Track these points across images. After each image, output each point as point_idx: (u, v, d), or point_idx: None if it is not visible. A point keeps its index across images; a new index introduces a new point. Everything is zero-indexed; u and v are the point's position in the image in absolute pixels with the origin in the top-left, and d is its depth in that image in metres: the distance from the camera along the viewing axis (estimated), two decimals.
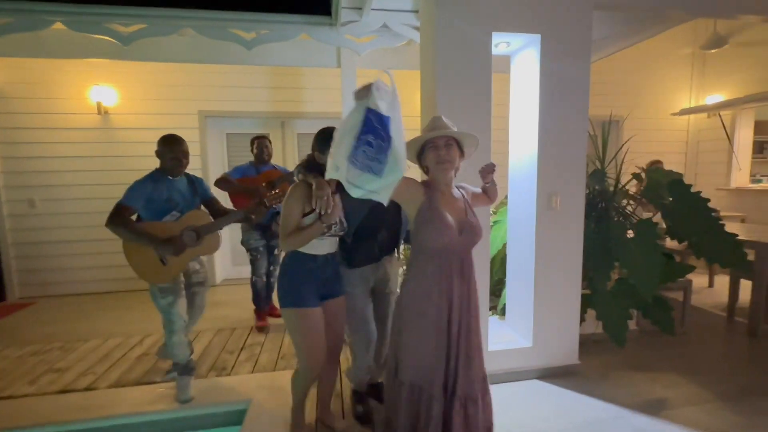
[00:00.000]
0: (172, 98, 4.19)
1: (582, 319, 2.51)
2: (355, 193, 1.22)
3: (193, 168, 4.54)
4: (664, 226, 2.53)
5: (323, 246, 1.62)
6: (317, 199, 1.43)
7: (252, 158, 3.15)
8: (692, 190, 2.45)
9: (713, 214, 2.38)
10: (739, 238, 2.38)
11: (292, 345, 1.83)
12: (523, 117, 2.35)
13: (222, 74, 4.20)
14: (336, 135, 1.20)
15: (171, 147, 2.02)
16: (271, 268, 3.19)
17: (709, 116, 5.21)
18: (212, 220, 2.10)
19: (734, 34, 4.34)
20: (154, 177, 2.02)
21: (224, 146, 4.56)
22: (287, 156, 4.64)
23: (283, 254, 1.66)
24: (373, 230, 1.80)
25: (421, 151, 1.46)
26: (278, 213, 2.97)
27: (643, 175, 2.73)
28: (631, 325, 2.77)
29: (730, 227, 3.20)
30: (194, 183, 2.17)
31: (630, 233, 2.43)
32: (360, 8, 2.72)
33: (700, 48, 4.48)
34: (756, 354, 2.64)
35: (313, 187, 1.45)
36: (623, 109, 5.33)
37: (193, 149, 4.25)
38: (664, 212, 2.43)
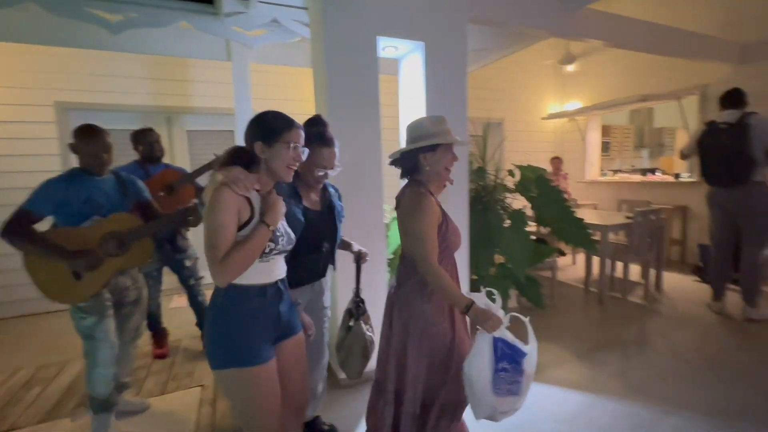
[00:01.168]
0: (19, 86, 3.47)
1: None
2: (500, 419, 1.29)
3: (52, 171, 3.87)
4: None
5: (274, 269, 1.22)
6: (263, 201, 1.17)
7: (137, 157, 2.61)
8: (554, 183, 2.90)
9: (566, 203, 2.83)
10: (586, 222, 2.87)
11: (232, 409, 1.49)
12: (412, 119, 2.50)
13: (88, 60, 3.62)
14: (471, 375, 1.24)
15: (87, 141, 1.71)
16: (192, 283, 2.70)
17: (569, 120, 6.18)
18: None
19: (583, 53, 5.20)
20: (70, 176, 1.71)
21: None
22: (176, 156, 4.20)
23: (210, 292, 1.24)
24: (317, 242, 1.57)
25: (431, 147, 1.36)
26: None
27: (515, 171, 3.12)
28: (513, 303, 3.15)
29: (585, 214, 3.82)
30: (125, 183, 1.86)
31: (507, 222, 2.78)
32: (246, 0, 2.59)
33: (557, 63, 5.25)
34: (603, 317, 3.23)
35: (238, 180, 1.09)
36: (504, 113, 6.03)
37: (49, 147, 3.66)
38: (532, 203, 2.82)
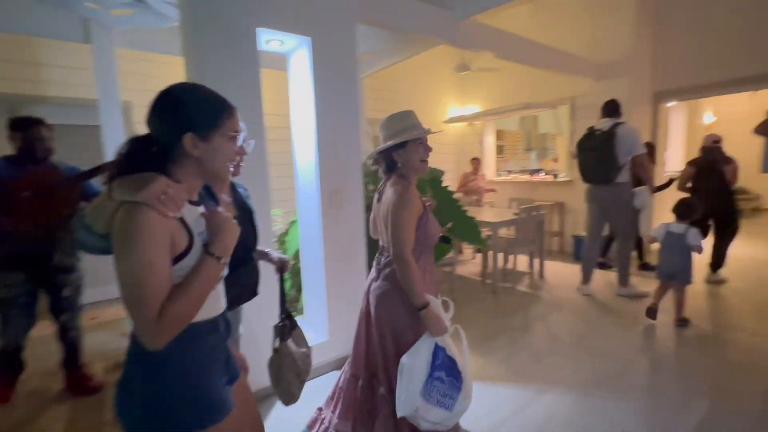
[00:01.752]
0: None
1: None
2: (424, 426, 1.28)
3: None
4: None
5: (221, 295, 0.97)
6: (207, 221, 0.88)
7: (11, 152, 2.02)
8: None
9: (458, 204, 2.98)
10: (479, 220, 3.07)
11: None
12: (303, 118, 2.38)
13: None
14: (404, 368, 1.27)
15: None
16: (64, 318, 2.18)
17: (469, 124, 6.64)
18: None
19: (477, 61, 5.61)
20: None
21: None
22: None
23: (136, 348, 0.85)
24: (245, 252, 1.37)
25: (400, 144, 1.41)
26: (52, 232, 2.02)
27: None
28: None
29: (481, 212, 4.07)
30: None
31: None
32: None
33: (453, 70, 5.59)
34: (495, 307, 3.49)
35: (165, 193, 0.78)
36: None
37: None
38: None
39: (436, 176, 3.03)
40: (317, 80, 2.26)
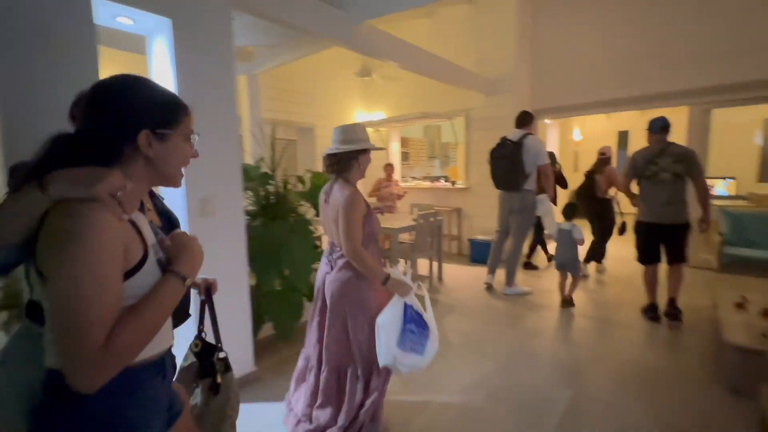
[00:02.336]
0: None
1: (263, 321, 2.51)
2: (403, 370, 1.58)
3: None
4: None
5: (168, 327, 0.84)
6: (173, 238, 0.83)
7: None
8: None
9: None
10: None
11: None
12: None
13: None
14: (380, 327, 1.56)
15: None
16: None
17: (375, 130, 6.68)
18: None
19: (379, 68, 5.67)
20: None
21: None
22: None
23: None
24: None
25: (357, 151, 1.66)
26: None
27: (307, 178, 3.03)
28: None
29: (383, 218, 4.02)
30: None
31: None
32: None
33: (355, 74, 5.56)
34: None
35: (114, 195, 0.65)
36: (315, 119, 6.03)
37: None
38: (317, 211, 2.76)
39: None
40: (180, 71, 1.94)
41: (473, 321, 3.25)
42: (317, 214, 2.77)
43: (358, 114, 6.66)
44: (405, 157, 7.58)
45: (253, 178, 2.59)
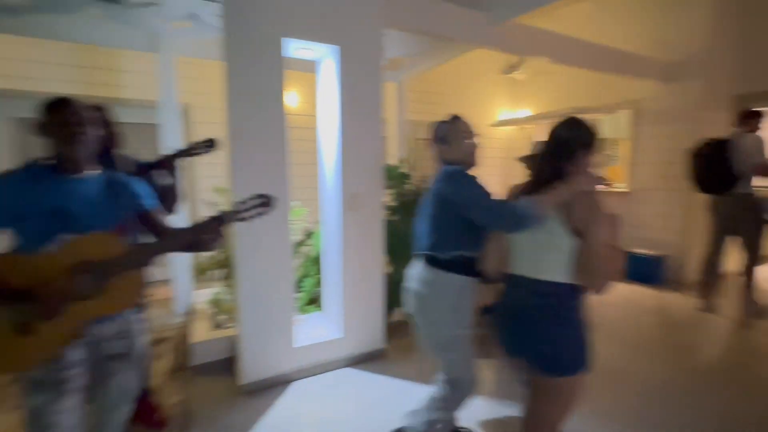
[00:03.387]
0: None
1: (396, 306, 2.80)
2: None
3: None
4: None
5: None
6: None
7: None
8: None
9: None
10: None
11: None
12: (328, 122, 2.48)
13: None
14: None
15: (56, 116, 1.15)
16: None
17: (519, 128, 6.36)
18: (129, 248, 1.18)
19: (527, 63, 5.35)
20: (29, 173, 1.15)
21: (12, 134, 3.69)
22: None
23: None
24: None
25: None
26: None
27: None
28: None
29: None
30: (118, 183, 1.27)
31: None
32: None
33: (500, 72, 5.38)
34: None
35: None
36: None
37: None
38: None
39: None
40: (344, 87, 2.34)
41: (623, 347, 2.86)
42: None
43: (502, 112, 6.45)
44: None
45: (393, 177, 2.88)
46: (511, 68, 5.07)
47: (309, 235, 3.21)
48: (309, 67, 3.45)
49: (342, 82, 2.33)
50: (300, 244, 3.11)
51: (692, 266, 4.29)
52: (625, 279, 4.39)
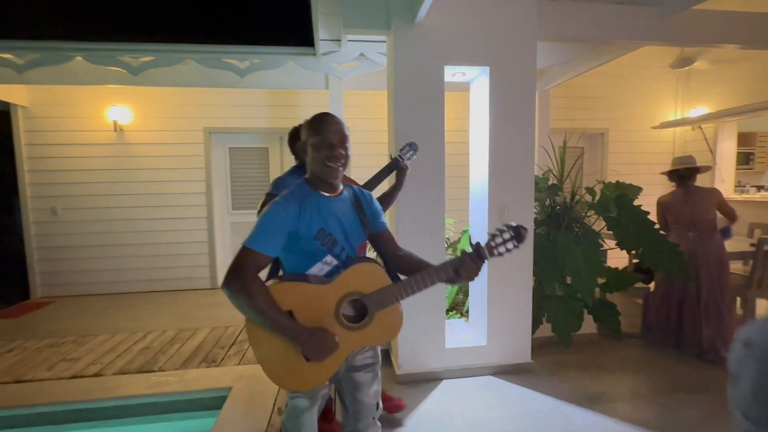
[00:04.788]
0: (179, 116, 4.61)
1: (541, 322, 2.74)
2: None
3: (199, 180, 5.03)
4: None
5: None
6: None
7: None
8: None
9: (653, 225, 2.58)
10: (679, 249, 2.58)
11: None
12: (479, 137, 2.63)
13: (223, 94, 4.60)
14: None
15: (320, 130, 1.11)
16: None
17: (693, 129, 5.35)
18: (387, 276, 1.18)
19: (704, 54, 4.50)
20: (299, 193, 1.15)
21: (227, 160, 4.95)
22: (285, 168, 5.00)
23: None
24: None
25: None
26: None
27: (597, 188, 2.95)
28: (589, 329, 2.97)
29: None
30: (363, 201, 1.26)
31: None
32: (338, 40, 3.06)
33: (669, 67, 4.65)
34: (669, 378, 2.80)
35: None
36: (608, 122, 5.54)
37: (197, 162, 4.74)
38: (609, 224, 2.65)
39: (622, 193, 2.73)
40: (493, 103, 2.46)
41: None
42: (608, 227, 2.70)
43: (670, 113, 5.54)
44: (745, 159, 5.61)
45: (541, 189, 2.83)
46: (684, 61, 4.36)
47: (454, 243, 3.39)
48: (456, 85, 3.70)
49: (492, 98, 2.45)
50: (448, 249, 3.31)
51: None
52: None
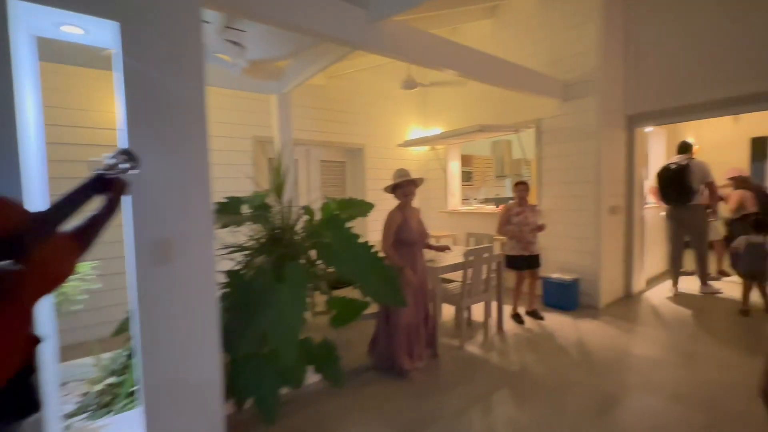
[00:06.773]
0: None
1: (235, 396, 1.98)
2: None
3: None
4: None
5: None
6: None
7: None
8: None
9: (371, 251, 2.26)
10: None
11: None
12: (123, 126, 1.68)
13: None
14: None
15: None
16: None
17: (432, 149, 6.03)
18: None
19: (424, 77, 5.04)
20: None
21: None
22: None
23: None
24: None
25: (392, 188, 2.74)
26: None
27: (319, 208, 2.50)
28: (314, 379, 2.42)
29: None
30: None
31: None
32: None
33: (400, 88, 5.01)
34: (427, 382, 2.71)
35: None
36: (365, 138, 5.61)
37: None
38: (321, 253, 2.18)
39: (334, 214, 2.32)
40: (127, 78, 1.57)
41: (531, 400, 2.35)
42: (319, 256, 2.22)
43: (414, 130, 6.09)
44: (467, 177, 6.77)
45: (255, 209, 2.13)
46: (408, 83, 4.70)
47: None
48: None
49: (126, 72, 1.57)
50: None
51: (606, 289, 4.14)
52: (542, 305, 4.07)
